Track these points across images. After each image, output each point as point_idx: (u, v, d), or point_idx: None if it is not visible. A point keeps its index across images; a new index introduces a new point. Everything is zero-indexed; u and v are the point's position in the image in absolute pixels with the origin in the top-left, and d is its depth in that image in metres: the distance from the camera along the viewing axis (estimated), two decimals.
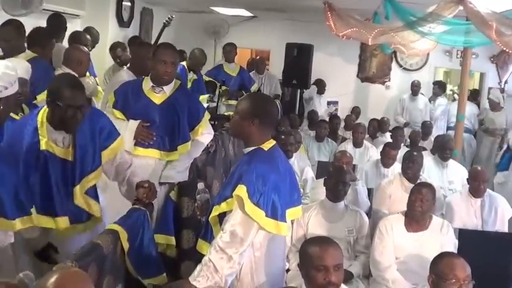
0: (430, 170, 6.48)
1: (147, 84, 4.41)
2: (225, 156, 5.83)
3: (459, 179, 6.45)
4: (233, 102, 8.08)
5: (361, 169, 6.70)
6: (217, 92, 7.38)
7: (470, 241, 4.68)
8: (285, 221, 3.11)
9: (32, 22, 6.30)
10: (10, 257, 3.11)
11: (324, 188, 4.90)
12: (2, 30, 5.11)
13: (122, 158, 3.79)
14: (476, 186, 5.33)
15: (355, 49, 11.81)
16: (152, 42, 7.48)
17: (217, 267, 2.96)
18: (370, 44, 7.48)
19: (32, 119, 3.40)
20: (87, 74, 5.74)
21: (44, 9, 6.45)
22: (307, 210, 4.72)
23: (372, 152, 7.62)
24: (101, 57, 7.53)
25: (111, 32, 8.84)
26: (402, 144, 7.84)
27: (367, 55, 12.02)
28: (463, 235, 4.75)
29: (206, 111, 4.68)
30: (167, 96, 4.42)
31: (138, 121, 4.34)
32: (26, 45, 5.20)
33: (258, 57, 12.16)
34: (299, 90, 10.96)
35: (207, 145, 5.10)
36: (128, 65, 6.90)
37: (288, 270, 4.28)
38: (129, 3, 9.43)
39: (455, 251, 4.27)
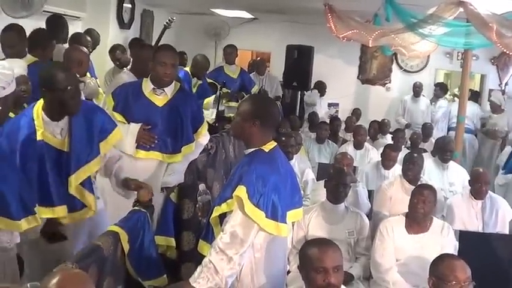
0: (430, 171, 6.47)
1: (147, 86, 4.40)
2: (225, 158, 5.83)
3: (460, 181, 6.44)
4: (234, 104, 8.07)
5: (362, 171, 6.70)
6: (217, 94, 7.36)
7: (471, 243, 4.67)
8: (285, 222, 3.11)
9: (32, 24, 6.30)
10: (13, 259, 3.11)
11: (325, 189, 4.90)
12: (5, 36, 5.11)
13: (111, 153, 3.82)
14: (478, 188, 5.33)
15: (356, 51, 11.82)
16: (153, 44, 7.47)
17: (217, 269, 2.97)
18: (370, 45, 7.49)
19: (28, 111, 3.42)
20: (88, 75, 5.74)
21: (44, 11, 6.46)
22: (307, 212, 4.71)
23: (373, 153, 7.62)
24: (101, 59, 7.53)
25: (111, 34, 8.85)
26: (403, 146, 7.83)
27: (367, 57, 12.02)
28: (464, 237, 4.74)
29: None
30: (168, 98, 4.42)
31: (140, 124, 4.33)
32: (26, 48, 5.20)
33: (258, 58, 12.16)
34: (299, 92, 10.97)
35: (208, 147, 5.11)
36: (129, 67, 6.92)
37: (288, 272, 4.27)
38: (129, 5, 9.44)
39: (456, 253, 4.26)
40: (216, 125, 7.04)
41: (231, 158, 5.95)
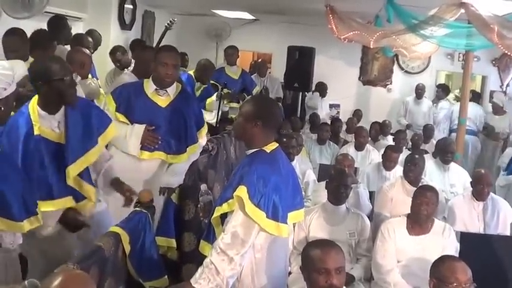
0: (431, 173, 6.47)
1: (149, 86, 4.40)
2: (226, 159, 5.83)
3: (461, 182, 6.44)
4: (235, 105, 8.08)
5: (363, 172, 6.70)
6: (219, 94, 7.37)
7: (472, 244, 4.66)
8: (286, 223, 3.11)
9: (34, 25, 6.31)
10: (15, 259, 3.12)
11: (326, 191, 4.90)
12: (8, 40, 5.11)
13: (103, 151, 3.84)
14: (480, 189, 5.32)
15: (357, 52, 11.81)
16: (154, 45, 7.48)
17: (218, 269, 2.97)
18: (372, 47, 7.48)
19: (24, 109, 3.43)
20: (89, 76, 5.74)
21: (46, 12, 6.46)
22: (308, 213, 4.71)
23: (374, 155, 7.62)
24: (102, 60, 7.54)
25: (113, 35, 8.86)
26: (404, 148, 7.83)
27: (368, 58, 12.02)
28: (465, 238, 4.73)
29: None
30: (171, 99, 4.43)
31: (144, 125, 4.33)
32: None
33: (259, 60, 12.16)
34: (301, 93, 10.97)
35: (209, 148, 5.12)
36: (129, 68, 6.93)
37: (289, 273, 4.27)
38: (131, 6, 9.44)
39: (457, 255, 4.26)
40: (218, 126, 7.04)
41: (232, 159, 5.95)
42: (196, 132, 4.53)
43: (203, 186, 4.28)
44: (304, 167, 6.44)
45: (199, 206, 4.35)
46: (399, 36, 6.98)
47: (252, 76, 9.54)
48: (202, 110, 6.71)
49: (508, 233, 5.31)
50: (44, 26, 6.41)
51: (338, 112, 11.57)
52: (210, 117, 7.10)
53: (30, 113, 3.40)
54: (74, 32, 6.98)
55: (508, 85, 11.46)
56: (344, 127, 9.42)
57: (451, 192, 6.36)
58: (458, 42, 7.09)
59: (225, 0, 9.36)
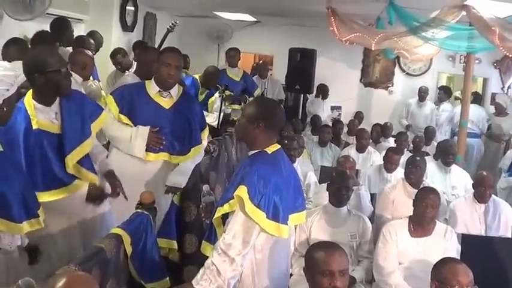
0: (433, 175, 6.48)
1: (152, 88, 4.41)
2: (228, 161, 5.83)
3: (462, 184, 6.44)
4: (236, 106, 8.09)
5: (364, 174, 6.70)
6: (221, 94, 7.38)
7: (473, 246, 4.66)
8: (286, 224, 3.11)
9: (36, 26, 6.33)
10: (16, 260, 3.12)
11: (327, 192, 4.90)
12: (8, 51, 5.12)
13: (95, 144, 3.91)
14: (481, 191, 5.32)
15: (358, 54, 11.81)
16: (156, 47, 7.48)
17: (220, 270, 2.97)
18: (373, 49, 7.47)
19: (20, 105, 3.43)
20: (91, 78, 5.74)
21: (48, 14, 6.47)
22: (310, 215, 4.71)
23: (375, 157, 7.61)
24: (104, 62, 7.54)
25: (114, 37, 8.86)
26: (405, 150, 7.82)
27: (370, 60, 12.02)
28: (466, 240, 4.73)
29: None
30: (174, 101, 4.45)
31: (148, 127, 4.34)
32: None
33: (260, 61, 12.16)
34: (302, 95, 10.96)
35: (211, 149, 5.12)
36: (130, 70, 6.94)
37: (291, 275, 4.27)
38: (132, 8, 9.45)
39: (458, 257, 4.26)
40: (219, 127, 7.05)
41: (233, 161, 5.95)
42: (200, 133, 4.56)
43: (205, 187, 4.28)
44: (306, 169, 6.44)
45: (201, 206, 4.35)
46: (401, 39, 6.98)
47: (253, 78, 9.55)
48: (206, 112, 6.78)
49: (509, 235, 5.30)
50: (47, 28, 6.43)
51: (339, 114, 11.57)
52: (211, 119, 7.11)
53: (26, 107, 3.43)
54: (75, 33, 6.98)
55: (509, 87, 11.45)
56: (345, 129, 9.43)
57: (452, 194, 6.36)
58: (459, 45, 7.09)
59: (226, 2, 9.36)
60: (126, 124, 4.34)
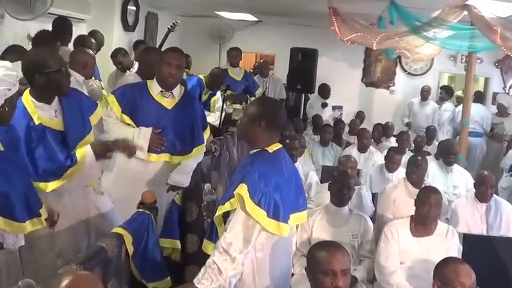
0: (434, 174, 6.48)
1: (154, 88, 4.41)
2: (229, 161, 5.84)
3: (463, 184, 6.44)
4: (238, 106, 8.10)
5: (366, 174, 6.70)
6: (222, 93, 7.38)
7: (475, 246, 4.66)
8: (287, 222, 3.11)
9: (38, 26, 6.33)
10: (17, 260, 3.12)
11: (329, 192, 4.90)
12: (7, 58, 5.11)
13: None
14: (483, 191, 5.32)
15: (360, 54, 11.82)
16: (157, 47, 7.48)
17: (221, 269, 2.98)
18: (374, 48, 7.46)
19: (18, 104, 3.41)
20: (92, 77, 5.74)
21: (49, 13, 6.47)
22: (311, 215, 4.71)
23: (377, 156, 7.61)
24: (105, 62, 7.54)
25: (116, 36, 8.86)
26: (407, 149, 7.82)
27: (371, 60, 12.03)
28: (467, 240, 4.73)
29: None
30: (176, 101, 4.45)
31: (151, 128, 4.34)
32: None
33: (262, 61, 12.17)
34: (303, 95, 10.96)
35: (212, 149, 5.13)
36: (131, 69, 6.94)
37: (292, 275, 4.27)
38: (134, 8, 9.44)
39: (460, 256, 4.26)
40: (221, 127, 7.05)
41: (235, 161, 5.96)
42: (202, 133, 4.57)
43: (207, 186, 4.27)
44: (307, 168, 6.44)
45: (202, 205, 4.36)
46: (402, 38, 6.97)
47: (254, 77, 9.55)
48: (208, 112, 6.78)
49: (511, 235, 5.29)
50: (48, 27, 6.43)
51: (341, 114, 11.59)
52: (213, 118, 7.11)
53: (25, 106, 3.42)
54: (77, 33, 6.99)
55: (510, 87, 11.45)
56: (347, 129, 9.43)
57: (453, 193, 6.36)
58: (461, 44, 7.08)
59: (228, 2, 9.36)
60: (128, 124, 4.34)
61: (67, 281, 1.92)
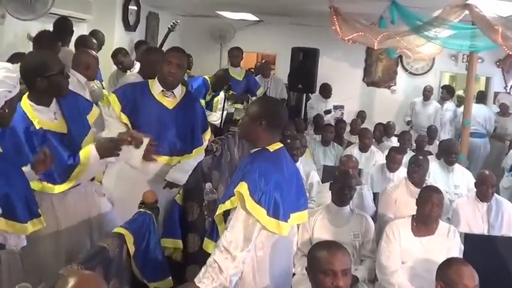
0: (435, 174, 6.47)
1: (155, 87, 4.41)
2: (230, 160, 5.84)
3: (465, 184, 6.44)
4: (239, 106, 8.11)
5: (367, 173, 6.70)
6: (223, 95, 7.39)
7: (476, 245, 4.66)
8: (287, 221, 3.11)
9: (38, 26, 6.34)
10: (18, 261, 3.12)
11: (330, 192, 4.90)
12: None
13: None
14: (484, 190, 5.32)
15: (361, 53, 11.82)
16: (159, 47, 7.49)
17: (222, 268, 2.99)
18: (376, 48, 7.47)
19: (17, 108, 3.42)
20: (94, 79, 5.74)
21: (51, 13, 6.47)
22: (312, 215, 4.72)
23: (378, 156, 7.61)
24: (106, 61, 7.54)
25: (117, 36, 8.86)
26: (408, 149, 7.82)
27: (372, 59, 12.03)
28: (469, 239, 4.73)
29: None
30: (178, 101, 4.44)
31: (148, 139, 4.29)
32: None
33: (263, 61, 12.17)
34: (305, 95, 10.96)
35: (213, 149, 5.13)
36: (132, 69, 6.94)
37: (293, 275, 4.27)
38: (135, 8, 9.45)
39: (461, 256, 4.25)
40: (222, 127, 7.06)
41: (236, 160, 5.96)
42: (202, 134, 4.56)
43: (208, 185, 4.28)
44: (308, 168, 6.44)
45: (204, 204, 4.36)
46: (403, 38, 6.97)
47: (256, 77, 9.55)
48: (210, 112, 6.77)
49: None
50: (49, 27, 6.43)
51: (342, 113, 11.58)
52: (214, 118, 7.12)
53: (24, 110, 3.40)
54: (78, 33, 6.99)
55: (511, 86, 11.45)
56: (348, 128, 9.43)
57: (455, 193, 6.36)
58: (462, 44, 7.08)
59: (229, 2, 9.36)
60: (126, 124, 4.32)
61: (73, 282, 1.93)
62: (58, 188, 3.45)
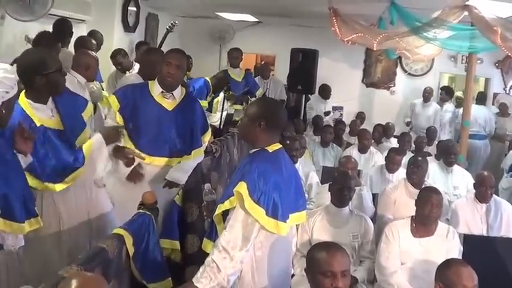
0: (435, 175, 6.48)
1: (155, 88, 4.41)
2: (229, 161, 5.84)
3: (464, 184, 6.44)
4: (238, 107, 8.11)
5: (366, 174, 6.70)
6: (223, 96, 7.39)
7: (475, 246, 4.66)
8: (285, 222, 3.12)
9: (38, 27, 6.34)
10: (16, 261, 3.13)
11: (329, 193, 4.90)
12: None
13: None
14: (482, 191, 5.32)
15: (360, 54, 11.83)
16: (158, 48, 7.49)
17: (220, 267, 2.99)
18: (375, 49, 7.47)
19: (15, 107, 3.42)
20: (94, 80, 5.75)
21: (50, 14, 6.48)
22: (312, 216, 4.72)
23: (377, 157, 7.61)
24: (106, 62, 7.54)
25: (116, 37, 8.86)
26: (407, 150, 7.82)
27: (372, 60, 12.04)
28: (468, 240, 4.73)
29: None
30: (177, 102, 4.45)
31: (133, 165, 4.26)
32: None
33: (263, 62, 12.18)
34: (304, 96, 10.97)
35: (213, 150, 5.13)
36: (131, 70, 6.94)
37: (292, 276, 4.27)
38: (134, 9, 9.45)
39: (460, 257, 4.26)
40: (221, 128, 7.06)
41: (235, 162, 5.96)
42: (201, 136, 4.56)
43: (207, 186, 4.28)
44: (308, 169, 6.44)
45: (203, 205, 4.36)
46: (402, 39, 6.98)
47: (255, 78, 9.56)
48: (210, 113, 6.77)
49: (511, 235, 5.30)
50: (49, 28, 6.44)
51: (341, 114, 11.57)
52: (214, 119, 7.12)
53: (23, 108, 3.41)
54: (77, 34, 6.99)
55: (511, 87, 11.46)
56: (347, 129, 9.43)
57: (454, 194, 6.36)
58: (461, 45, 7.09)
59: (228, 3, 9.37)
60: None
61: (76, 284, 1.93)
62: (59, 187, 3.48)
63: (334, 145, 8.27)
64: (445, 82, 12.69)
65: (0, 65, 2.98)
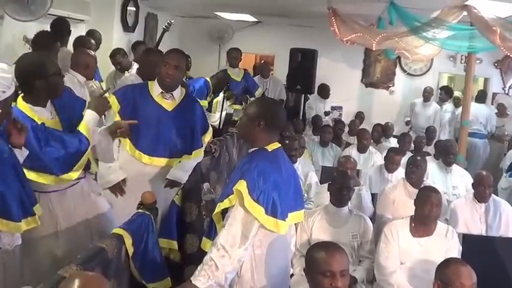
0: (434, 175, 6.48)
1: (154, 89, 4.41)
2: (229, 161, 5.84)
3: (463, 184, 6.44)
4: (238, 107, 8.11)
5: (365, 174, 6.70)
6: (222, 96, 7.39)
7: (474, 246, 4.66)
8: (284, 220, 3.14)
9: (37, 27, 6.34)
10: (15, 261, 3.13)
11: (328, 193, 4.90)
12: None
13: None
14: (481, 191, 5.32)
15: (359, 54, 11.83)
16: (158, 49, 7.49)
17: (218, 265, 3.00)
18: (374, 49, 7.47)
19: (15, 110, 3.38)
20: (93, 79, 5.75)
21: (49, 14, 6.48)
22: (311, 215, 4.72)
23: (376, 157, 7.61)
24: (105, 62, 7.54)
25: (115, 37, 8.86)
26: (406, 150, 7.82)
27: (371, 60, 12.04)
28: (467, 240, 4.73)
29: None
30: (177, 103, 4.45)
31: (123, 177, 4.18)
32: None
33: (262, 61, 12.18)
34: (303, 96, 10.97)
35: (212, 150, 5.13)
36: (130, 70, 6.94)
37: (292, 275, 4.27)
38: (133, 8, 9.45)
39: (459, 257, 4.26)
40: (221, 128, 7.06)
41: (234, 161, 5.96)
42: (201, 136, 4.56)
43: (206, 185, 4.28)
44: (307, 169, 6.44)
45: (202, 204, 4.37)
46: (402, 39, 6.98)
47: (254, 78, 9.56)
48: (209, 113, 6.77)
49: (510, 235, 5.30)
50: (48, 28, 6.43)
51: (340, 114, 11.58)
52: (214, 119, 7.12)
53: (22, 111, 3.39)
54: (76, 34, 6.99)
55: (510, 87, 11.46)
56: (346, 129, 9.43)
57: (453, 194, 6.37)
58: (460, 45, 7.09)
59: (227, 3, 9.37)
60: None
61: (77, 283, 1.93)
62: (74, 175, 3.48)
63: (334, 145, 8.27)
64: (444, 82, 12.69)
65: None
